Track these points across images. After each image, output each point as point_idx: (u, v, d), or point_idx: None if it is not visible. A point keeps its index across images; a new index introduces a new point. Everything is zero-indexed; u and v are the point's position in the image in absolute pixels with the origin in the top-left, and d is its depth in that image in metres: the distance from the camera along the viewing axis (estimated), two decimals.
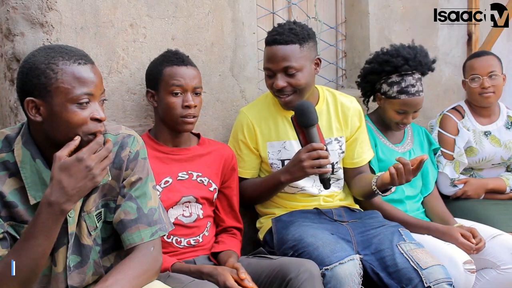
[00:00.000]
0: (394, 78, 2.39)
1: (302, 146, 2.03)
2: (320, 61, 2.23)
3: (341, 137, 2.31)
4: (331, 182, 2.28)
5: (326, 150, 2.02)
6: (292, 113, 2.06)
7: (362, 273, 1.92)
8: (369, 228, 2.18)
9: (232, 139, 2.31)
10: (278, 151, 2.23)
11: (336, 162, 2.31)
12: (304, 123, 1.99)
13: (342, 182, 2.37)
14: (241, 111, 2.30)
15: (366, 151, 2.38)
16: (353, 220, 2.25)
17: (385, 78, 2.41)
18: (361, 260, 1.97)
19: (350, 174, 2.37)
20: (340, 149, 2.31)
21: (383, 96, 2.44)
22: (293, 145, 2.22)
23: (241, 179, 2.26)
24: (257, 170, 2.31)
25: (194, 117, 2.03)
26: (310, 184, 2.25)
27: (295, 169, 2.04)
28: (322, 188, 2.26)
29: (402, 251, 2.06)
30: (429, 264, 2.01)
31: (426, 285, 1.95)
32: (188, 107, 2.00)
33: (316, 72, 2.21)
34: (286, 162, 2.19)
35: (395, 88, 2.39)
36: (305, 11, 2.86)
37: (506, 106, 2.87)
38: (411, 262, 2.01)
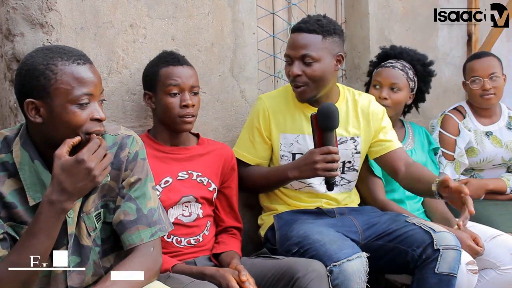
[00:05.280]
0: (382, 63, 2.56)
1: (315, 146, 2.03)
2: (343, 59, 2.20)
3: (357, 137, 2.28)
4: (341, 183, 2.30)
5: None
6: (311, 109, 2.10)
7: (368, 270, 1.92)
8: (373, 217, 2.20)
9: (247, 125, 2.29)
10: (290, 144, 2.22)
11: (349, 161, 2.29)
12: (326, 126, 1.98)
13: (353, 184, 2.34)
14: (259, 98, 2.29)
15: (394, 138, 2.32)
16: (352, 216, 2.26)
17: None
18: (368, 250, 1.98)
19: (385, 163, 2.30)
20: (355, 149, 2.28)
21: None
22: (307, 140, 2.20)
23: (247, 165, 2.25)
24: (266, 160, 2.28)
25: (192, 116, 2.02)
26: (318, 181, 2.23)
27: (306, 169, 2.04)
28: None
29: (412, 222, 2.09)
30: (441, 230, 2.04)
31: (435, 248, 1.97)
32: (186, 106, 1.99)
33: (337, 69, 2.19)
34: (297, 156, 2.19)
35: (377, 68, 2.57)
36: (305, 11, 2.86)
37: (507, 106, 2.87)
38: (423, 227, 2.04)
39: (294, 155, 2.21)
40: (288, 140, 2.22)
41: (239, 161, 2.24)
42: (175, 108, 1.99)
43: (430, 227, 2.04)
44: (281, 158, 2.23)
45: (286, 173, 2.11)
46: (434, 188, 2.03)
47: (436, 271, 1.97)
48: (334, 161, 1.99)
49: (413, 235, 2.04)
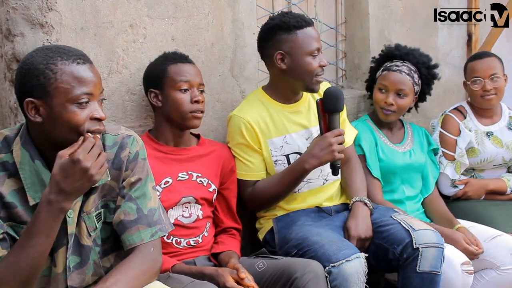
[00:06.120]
0: (387, 63, 2.54)
1: (321, 132, 2.08)
2: None
3: None
4: None
5: None
6: (288, 108, 2.17)
7: (367, 271, 1.92)
8: None
9: (232, 146, 2.21)
10: (280, 147, 2.21)
11: None
12: (334, 108, 2.06)
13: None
14: (233, 116, 2.21)
15: (349, 133, 2.40)
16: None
17: (382, 66, 2.58)
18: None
19: None
20: None
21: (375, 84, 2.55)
22: (294, 138, 2.21)
23: (251, 184, 2.19)
24: (265, 171, 2.23)
25: (201, 112, 2.04)
26: (316, 175, 2.23)
27: (324, 153, 2.05)
28: (328, 178, 2.27)
29: (396, 219, 2.12)
30: (422, 227, 2.05)
31: (415, 246, 1.98)
32: (197, 102, 2.01)
33: None
34: (291, 156, 2.19)
35: (382, 69, 2.54)
36: (305, 11, 2.85)
37: (508, 106, 2.86)
38: (403, 224, 2.07)
39: (287, 156, 2.20)
40: (277, 144, 2.21)
41: (241, 184, 2.19)
42: (186, 104, 2.01)
43: (410, 225, 2.04)
44: (276, 164, 2.21)
45: (302, 166, 2.09)
46: (350, 203, 2.23)
47: (417, 270, 1.99)
48: (343, 142, 2.07)
49: (393, 233, 2.06)
